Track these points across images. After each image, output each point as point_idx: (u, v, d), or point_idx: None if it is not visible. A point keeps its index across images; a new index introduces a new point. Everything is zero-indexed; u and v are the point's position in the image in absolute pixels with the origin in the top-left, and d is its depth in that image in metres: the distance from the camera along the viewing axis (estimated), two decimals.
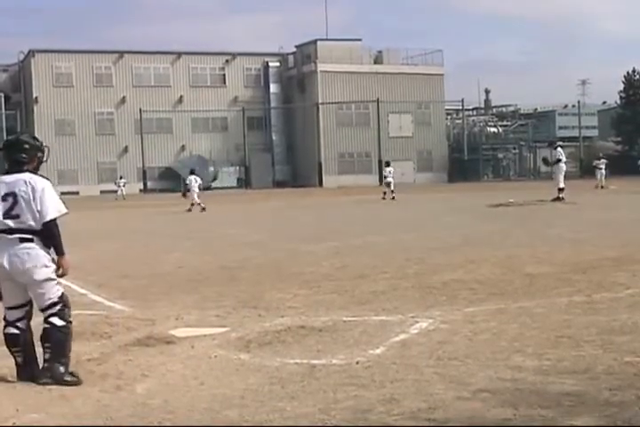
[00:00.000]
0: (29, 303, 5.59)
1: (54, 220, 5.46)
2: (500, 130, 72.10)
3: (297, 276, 10.52)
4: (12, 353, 5.58)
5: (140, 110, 61.51)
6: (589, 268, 10.01)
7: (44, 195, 5.44)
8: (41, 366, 5.51)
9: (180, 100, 64.58)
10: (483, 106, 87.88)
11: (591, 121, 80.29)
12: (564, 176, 26.73)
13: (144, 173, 61.77)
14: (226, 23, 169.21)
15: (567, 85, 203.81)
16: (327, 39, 64.36)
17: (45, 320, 5.50)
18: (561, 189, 26.03)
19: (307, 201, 37.22)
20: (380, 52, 66.40)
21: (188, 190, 31.69)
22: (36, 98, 61.82)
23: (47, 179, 5.61)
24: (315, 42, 64.25)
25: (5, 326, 5.61)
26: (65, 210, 5.55)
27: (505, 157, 72.14)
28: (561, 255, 11.46)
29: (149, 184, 62.27)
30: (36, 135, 6.10)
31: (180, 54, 65.31)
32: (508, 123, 74.71)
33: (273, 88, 66.52)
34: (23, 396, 5.13)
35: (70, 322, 5.57)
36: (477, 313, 7.38)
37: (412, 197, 35.41)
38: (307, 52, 65.10)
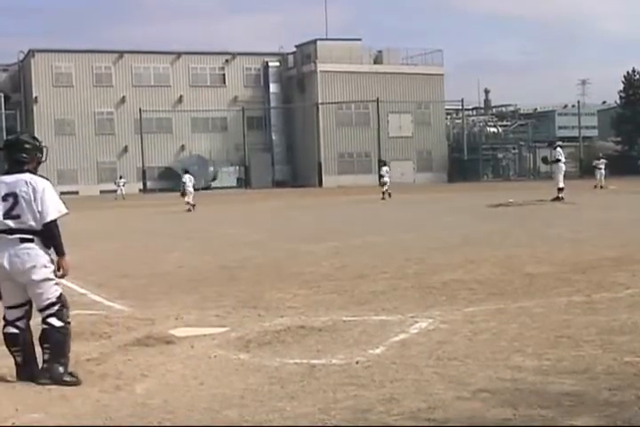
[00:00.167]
0: (29, 303, 5.59)
1: (55, 220, 5.46)
2: (500, 130, 72.05)
3: (297, 276, 10.52)
4: (11, 353, 5.58)
5: (140, 110, 61.44)
6: (589, 268, 10.01)
7: (44, 195, 5.44)
8: (40, 366, 5.50)
9: (180, 99, 64.53)
10: (482, 106, 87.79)
11: (591, 121, 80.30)
12: (564, 176, 26.76)
13: (144, 172, 61.69)
14: (226, 23, 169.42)
15: (567, 85, 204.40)
16: (327, 39, 64.28)
17: (43, 321, 5.50)
18: (560, 189, 26.04)
19: (306, 201, 37.19)
20: (379, 51, 66.34)
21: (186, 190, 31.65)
22: (36, 98, 61.76)
23: (47, 179, 5.61)
24: (315, 42, 64.18)
25: (5, 326, 5.61)
26: (65, 210, 5.56)
27: (505, 157, 72.10)
28: (560, 255, 11.46)
29: (149, 184, 62.19)
30: (36, 135, 6.11)
31: (179, 54, 65.23)
32: (508, 123, 74.66)
33: (273, 88, 66.46)
34: (23, 396, 5.12)
35: (69, 323, 5.56)
36: (477, 313, 7.38)
37: (412, 197, 35.38)
38: (306, 52, 65.05)
